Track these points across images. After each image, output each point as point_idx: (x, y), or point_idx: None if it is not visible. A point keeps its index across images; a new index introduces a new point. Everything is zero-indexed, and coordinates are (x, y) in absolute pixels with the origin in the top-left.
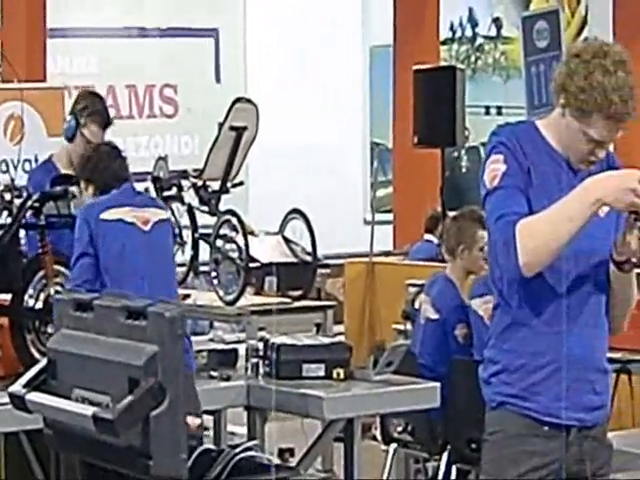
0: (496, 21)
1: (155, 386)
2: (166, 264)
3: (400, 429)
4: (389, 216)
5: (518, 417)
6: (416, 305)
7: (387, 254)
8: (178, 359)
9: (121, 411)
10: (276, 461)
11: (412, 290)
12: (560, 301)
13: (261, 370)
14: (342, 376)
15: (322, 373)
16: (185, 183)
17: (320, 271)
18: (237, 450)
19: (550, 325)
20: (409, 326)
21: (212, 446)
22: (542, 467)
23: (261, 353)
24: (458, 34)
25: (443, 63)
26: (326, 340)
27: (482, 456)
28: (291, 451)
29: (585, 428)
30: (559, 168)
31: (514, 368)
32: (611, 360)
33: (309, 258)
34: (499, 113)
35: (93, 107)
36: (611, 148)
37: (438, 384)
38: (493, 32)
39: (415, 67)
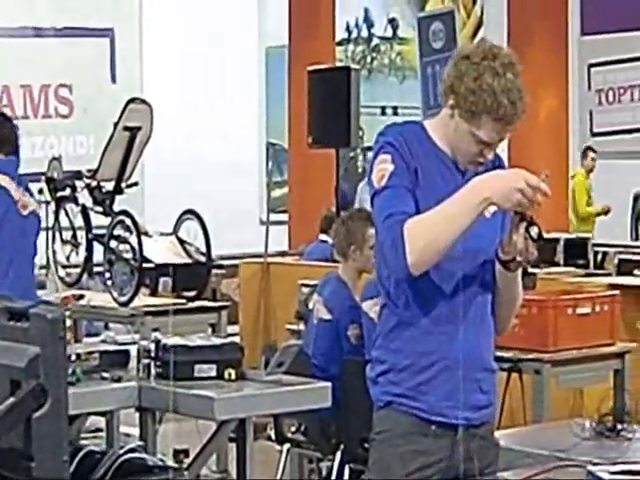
0: (392, 22)
1: (37, 388)
2: (30, 257)
3: (294, 429)
4: (285, 216)
5: (405, 416)
6: (309, 305)
7: (283, 254)
8: (60, 361)
9: (2, 413)
10: (171, 462)
11: (305, 290)
12: (447, 301)
13: (153, 371)
14: (234, 376)
15: (214, 374)
16: (79, 184)
17: (215, 272)
18: (121, 452)
19: (437, 325)
20: (302, 326)
21: (96, 448)
22: (429, 466)
23: (153, 354)
24: (354, 35)
25: (339, 64)
26: (218, 341)
27: (370, 455)
28: (186, 452)
29: (472, 427)
30: (446, 169)
31: (401, 367)
32: (502, 359)
33: (203, 259)
34: (395, 113)
35: None
36: (505, 153)
37: (329, 384)
38: (389, 33)
39: (310, 68)
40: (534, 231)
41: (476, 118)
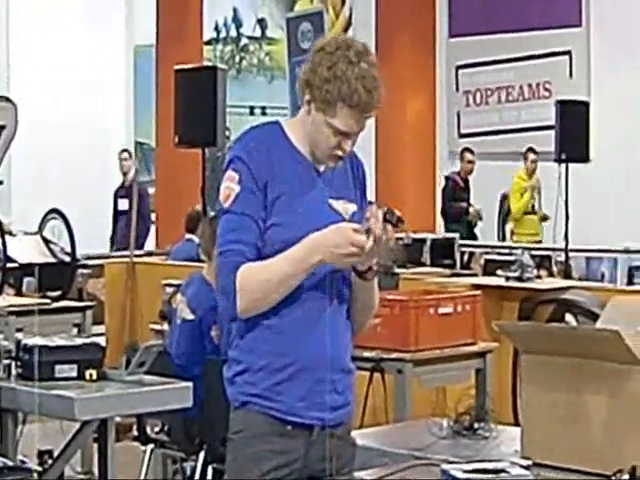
0: (261, 22)
1: None
2: None
3: (157, 429)
4: (153, 216)
5: (261, 416)
6: (173, 305)
7: (149, 254)
8: None
9: None
10: (34, 464)
11: (169, 290)
12: (303, 303)
13: (14, 372)
14: (94, 377)
15: (75, 374)
16: None
17: (82, 271)
18: None
19: (292, 326)
20: (166, 326)
21: None
22: (284, 466)
23: (13, 354)
24: (223, 34)
25: (207, 63)
26: (79, 341)
27: (227, 455)
28: (50, 453)
29: (328, 427)
30: (303, 170)
31: (257, 368)
32: (365, 359)
33: (68, 258)
34: (263, 113)
35: None
36: (372, 154)
37: (190, 384)
38: (258, 33)
39: (176, 67)
40: (392, 216)
41: (332, 107)
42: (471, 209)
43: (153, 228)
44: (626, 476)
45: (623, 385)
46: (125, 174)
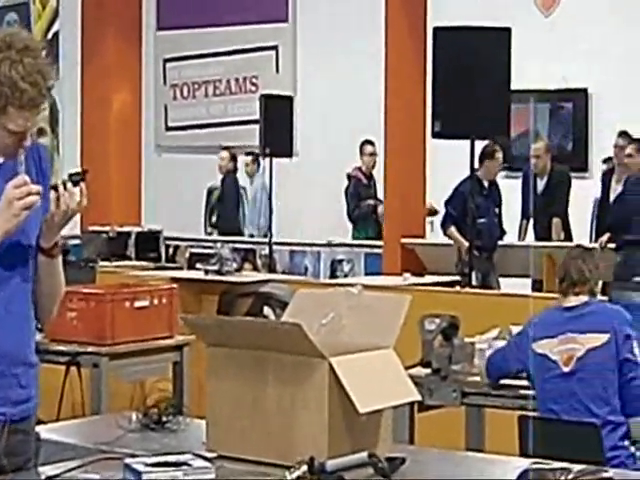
0: None
1: None
2: None
3: None
4: None
5: None
6: None
7: None
8: None
9: None
10: None
11: None
12: None
13: None
14: None
15: None
16: None
17: None
18: None
19: None
20: None
21: None
22: None
23: None
24: None
25: None
26: None
27: None
28: None
29: (12, 422)
30: None
31: None
32: (61, 353)
33: None
34: None
35: None
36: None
37: None
38: None
39: None
40: (77, 175)
41: (3, 112)
42: (380, 208)
43: None
44: (305, 467)
45: (305, 377)
46: None
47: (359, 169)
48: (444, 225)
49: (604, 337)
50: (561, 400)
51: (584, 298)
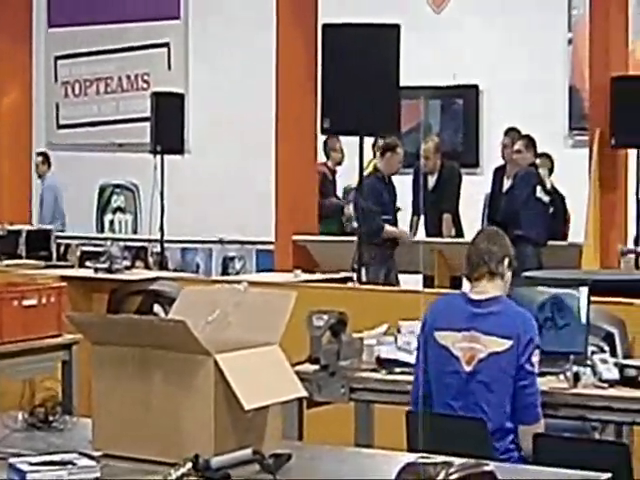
0: None
1: None
2: None
3: None
4: None
5: None
6: None
7: None
8: None
9: None
10: None
11: None
12: None
13: None
14: None
15: None
16: None
17: None
18: None
19: None
20: None
21: None
22: None
23: None
24: None
25: None
26: None
27: None
28: None
29: None
30: None
31: None
32: None
33: None
34: None
35: None
36: None
37: None
38: None
39: None
40: None
41: None
42: (346, 210)
43: None
44: (189, 464)
45: (190, 375)
46: None
47: (325, 164)
48: (378, 226)
49: (507, 343)
50: (460, 397)
51: (489, 288)
